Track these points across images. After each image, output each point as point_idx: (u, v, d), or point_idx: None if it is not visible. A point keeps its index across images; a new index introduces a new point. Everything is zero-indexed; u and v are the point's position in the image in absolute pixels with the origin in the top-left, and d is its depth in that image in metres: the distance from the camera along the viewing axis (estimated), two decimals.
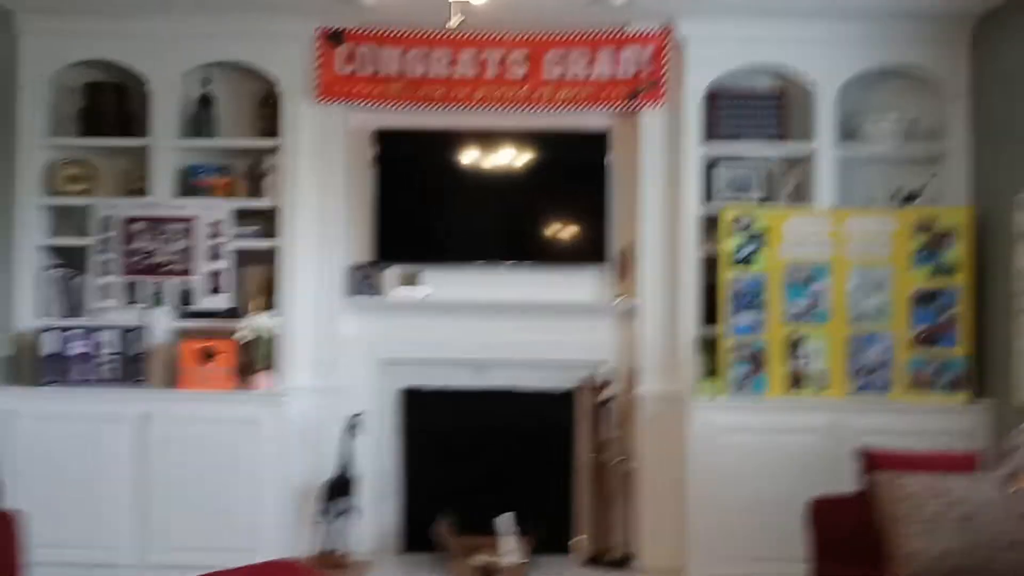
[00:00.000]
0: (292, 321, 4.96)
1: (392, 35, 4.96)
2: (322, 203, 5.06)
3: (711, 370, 4.86)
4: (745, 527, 4.63)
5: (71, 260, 5.05)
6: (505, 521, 4.77)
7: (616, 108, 5.02)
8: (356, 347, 5.14)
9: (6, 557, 3.55)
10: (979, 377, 4.70)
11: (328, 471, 4.89)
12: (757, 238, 4.80)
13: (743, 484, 4.65)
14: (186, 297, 4.98)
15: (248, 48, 4.98)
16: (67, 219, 5.12)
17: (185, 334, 4.99)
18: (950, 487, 3.38)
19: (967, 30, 4.85)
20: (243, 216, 5.04)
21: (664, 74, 4.95)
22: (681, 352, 4.91)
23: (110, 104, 5.08)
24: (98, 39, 4.99)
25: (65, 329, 4.92)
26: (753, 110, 5.06)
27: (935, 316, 4.70)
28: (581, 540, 5.15)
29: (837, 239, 4.77)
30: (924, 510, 3.31)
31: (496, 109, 5.01)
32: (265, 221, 5.05)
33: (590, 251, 5.10)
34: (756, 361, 4.75)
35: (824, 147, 4.89)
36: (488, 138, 5.10)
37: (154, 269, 4.98)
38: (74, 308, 5.02)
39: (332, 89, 5.00)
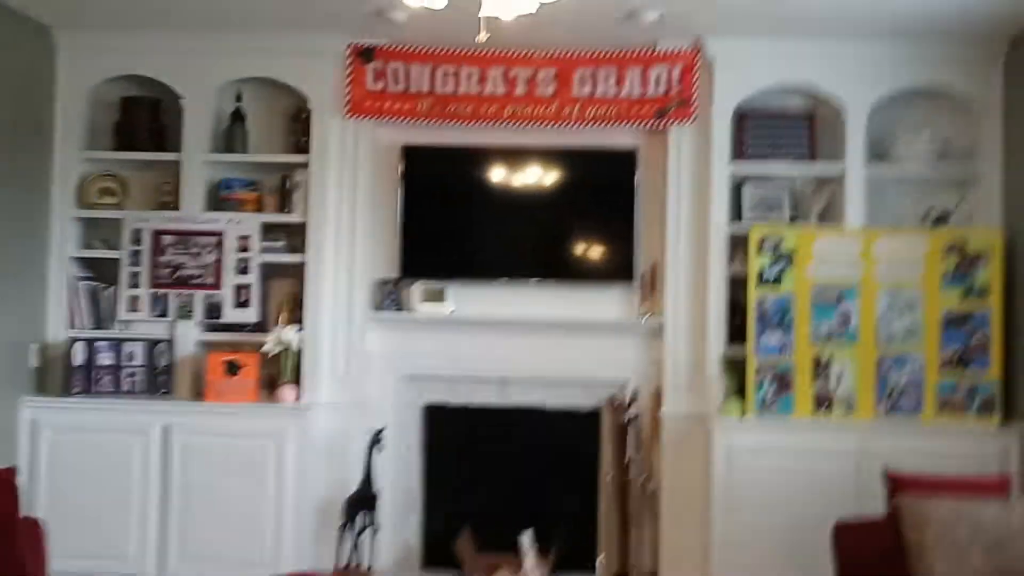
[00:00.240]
0: (317, 335, 4.98)
1: (422, 52, 5.00)
2: (349, 218, 5.08)
3: (737, 390, 4.82)
4: (769, 549, 4.57)
5: (101, 272, 5.12)
6: (527, 539, 4.73)
7: (645, 126, 5.01)
8: (380, 362, 5.15)
9: (30, 565, 3.57)
10: (1010, 400, 4.61)
11: (351, 486, 4.88)
12: (785, 258, 4.76)
13: (768, 505, 4.59)
14: (213, 310, 5.02)
15: (280, 65, 5.03)
16: (98, 231, 5.18)
17: (211, 347, 5.03)
18: (979, 513, 3.31)
19: (1001, 50, 4.79)
20: (271, 230, 5.09)
21: (693, 93, 4.95)
22: (707, 371, 4.87)
23: (144, 118, 5.15)
24: (134, 55, 5.07)
25: (94, 340, 4.97)
26: (783, 129, 5.03)
27: (966, 338, 4.63)
28: (604, 559, 5.10)
29: (866, 260, 4.72)
30: (952, 536, 3.25)
31: (524, 127, 5.02)
32: (292, 236, 5.08)
33: (617, 269, 5.08)
34: (783, 382, 4.71)
35: (854, 167, 4.85)
36: (516, 155, 5.12)
37: (182, 282, 5.02)
38: (103, 319, 5.08)
39: (362, 105, 5.03)
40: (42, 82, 5.00)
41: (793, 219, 4.99)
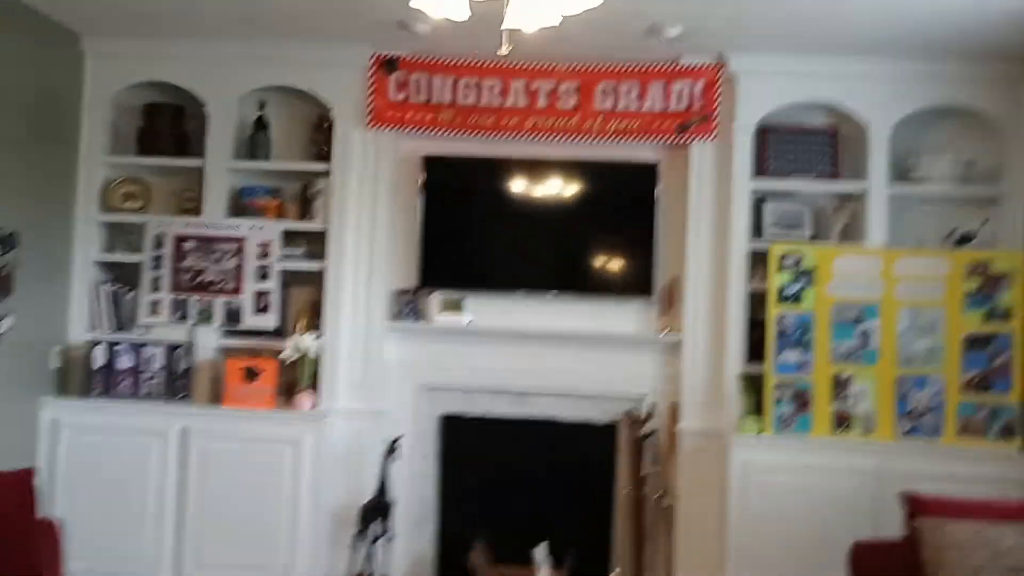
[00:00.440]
0: (335, 343, 4.99)
1: (444, 63, 5.02)
2: (369, 227, 5.10)
3: (754, 408, 4.79)
4: (785, 568, 4.53)
5: (123, 276, 5.16)
6: (541, 552, 4.72)
7: (666, 141, 5.01)
8: (398, 371, 5.16)
9: (47, 566, 3.59)
10: None
11: (366, 494, 4.89)
12: (805, 275, 4.73)
13: (784, 524, 4.56)
14: (233, 315, 5.04)
15: (303, 73, 5.07)
16: (121, 235, 5.23)
17: (230, 352, 5.05)
18: (999, 536, 3.28)
19: None
20: (291, 237, 5.11)
21: (715, 108, 4.94)
22: (725, 388, 4.85)
23: (167, 125, 5.20)
24: (159, 62, 5.11)
25: (114, 343, 5.01)
26: (805, 146, 5.01)
27: (988, 361, 4.59)
28: (617, 574, 5.07)
29: (888, 279, 4.69)
30: (971, 560, 3.22)
31: (546, 139, 5.03)
32: (313, 243, 5.10)
33: (636, 283, 5.06)
34: (801, 400, 4.68)
35: (877, 186, 4.82)
36: (536, 167, 5.12)
37: (203, 287, 5.05)
38: (124, 323, 5.11)
39: (384, 115, 5.06)
40: (69, 87, 5.06)
41: (814, 237, 4.97)
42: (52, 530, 3.71)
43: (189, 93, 5.12)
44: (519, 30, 2.87)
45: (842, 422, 4.65)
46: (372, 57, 5.03)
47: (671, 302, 5.06)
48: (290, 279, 5.12)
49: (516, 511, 5.15)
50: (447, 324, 5.13)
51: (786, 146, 5.00)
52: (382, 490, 4.87)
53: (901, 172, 4.90)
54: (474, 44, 4.70)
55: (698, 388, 4.93)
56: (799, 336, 4.71)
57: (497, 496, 5.21)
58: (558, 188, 5.12)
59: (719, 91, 4.94)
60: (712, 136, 4.95)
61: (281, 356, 4.92)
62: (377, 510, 4.85)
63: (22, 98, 4.65)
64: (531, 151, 5.10)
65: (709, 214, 4.97)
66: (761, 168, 4.96)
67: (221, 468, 4.80)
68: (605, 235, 5.16)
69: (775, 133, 5.00)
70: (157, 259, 5.07)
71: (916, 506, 3.59)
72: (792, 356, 4.70)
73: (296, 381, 4.93)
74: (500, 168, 5.13)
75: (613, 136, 5.01)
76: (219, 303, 5.04)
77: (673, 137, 4.98)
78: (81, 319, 5.08)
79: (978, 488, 4.13)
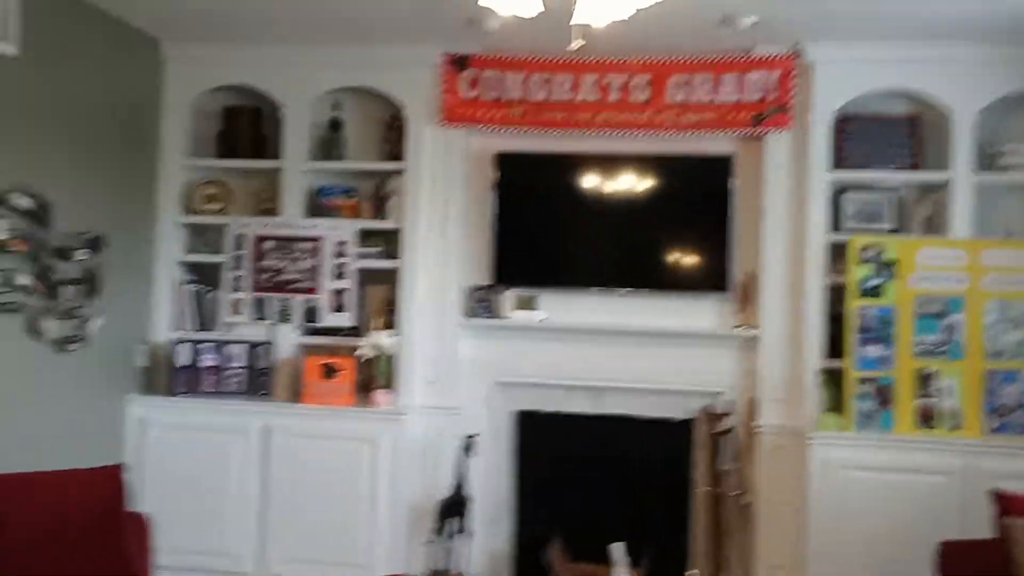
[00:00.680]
0: (411, 341, 5.04)
1: (515, 60, 5.02)
2: (443, 225, 5.13)
3: (834, 404, 4.69)
4: (867, 568, 4.44)
5: (205, 276, 5.28)
6: (618, 550, 4.69)
7: (741, 133, 4.93)
8: (472, 368, 5.18)
9: (137, 558, 3.69)
10: None
11: (442, 491, 4.92)
12: (887, 268, 4.62)
13: (866, 523, 4.46)
14: (311, 314, 5.13)
15: (376, 74, 5.12)
16: (203, 236, 5.35)
17: (309, 350, 5.14)
18: None
19: None
20: (367, 236, 5.17)
21: (791, 99, 4.84)
22: (803, 384, 4.76)
23: (246, 127, 5.31)
24: (237, 66, 5.22)
25: (197, 342, 5.13)
26: (885, 136, 4.87)
27: None
28: (695, 574, 5.02)
29: (973, 271, 4.55)
30: None
31: (618, 134, 5.00)
32: (388, 242, 5.16)
33: (711, 278, 5.00)
34: (883, 396, 4.56)
35: (961, 175, 4.67)
36: (609, 162, 5.09)
37: (282, 286, 5.15)
38: (206, 322, 5.23)
39: (456, 113, 5.08)
40: (150, 92, 5.19)
41: (895, 229, 4.84)
42: (142, 524, 3.80)
43: (266, 96, 5.22)
44: (589, 25, 2.85)
45: (927, 419, 4.53)
46: (442, 56, 5.06)
47: (747, 297, 4.99)
48: (366, 277, 5.18)
49: (592, 508, 5.13)
50: (521, 321, 5.13)
51: (865, 136, 4.87)
52: (459, 487, 4.90)
53: (986, 160, 4.74)
54: (544, 40, 4.68)
55: (776, 384, 4.85)
56: (880, 330, 4.60)
57: (573, 493, 5.20)
58: (631, 183, 5.09)
59: (795, 81, 4.84)
60: (788, 127, 4.86)
61: (357, 353, 4.98)
62: (454, 506, 4.88)
63: (105, 104, 4.79)
64: (603, 146, 5.07)
65: (785, 207, 4.88)
66: (839, 159, 4.85)
67: (301, 464, 4.89)
68: (679, 230, 5.11)
69: (853, 122, 4.88)
70: (237, 259, 5.18)
71: (1006, 505, 3.48)
72: (873, 351, 4.60)
73: (372, 378, 4.99)
74: (572, 164, 5.11)
75: (686, 129, 4.95)
76: (297, 302, 5.13)
77: (748, 129, 4.90)
78: (165, 319, 5.22)
79: None
